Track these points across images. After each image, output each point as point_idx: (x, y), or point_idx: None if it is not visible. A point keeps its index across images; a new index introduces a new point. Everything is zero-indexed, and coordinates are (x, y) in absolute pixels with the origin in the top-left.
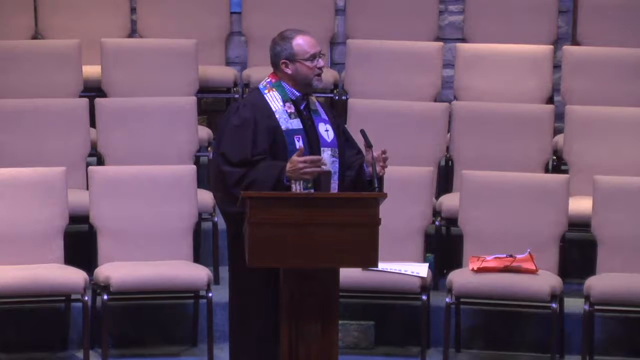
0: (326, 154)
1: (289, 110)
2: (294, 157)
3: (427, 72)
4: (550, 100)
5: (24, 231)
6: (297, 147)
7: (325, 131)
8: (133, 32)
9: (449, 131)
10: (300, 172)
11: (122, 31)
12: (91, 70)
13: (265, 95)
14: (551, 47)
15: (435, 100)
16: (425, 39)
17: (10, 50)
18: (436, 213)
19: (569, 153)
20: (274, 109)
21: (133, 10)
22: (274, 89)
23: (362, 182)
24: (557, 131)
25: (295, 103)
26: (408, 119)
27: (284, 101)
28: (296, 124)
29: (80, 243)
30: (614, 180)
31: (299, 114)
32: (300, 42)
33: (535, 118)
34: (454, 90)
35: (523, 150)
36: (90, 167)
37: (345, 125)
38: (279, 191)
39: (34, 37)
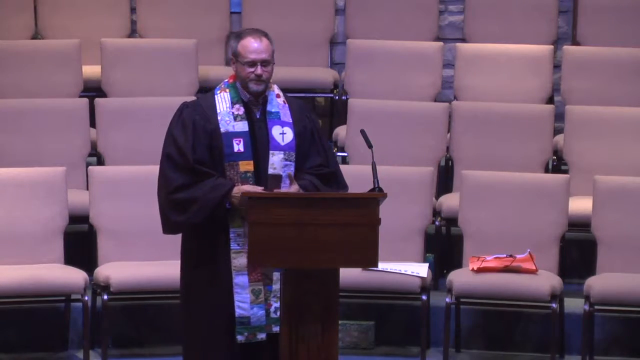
0: (276, 157)
1: (236, 112)
2: (245, 186)
3: (427, 72)
4: (550, 100)
5: (24, 231)
6: (236, 150)
7: (280, 134)
8: (133, 32)
9: (449, 131)
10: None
11: (122, 31)
12: (91, 70)
13: (215, 96)
14: (551, 47)
15: (435, 100)
16: (425, 39)
17: (10, 50)
18: (436, 213)
19: (569, 153)
20: (218, 111)
21: (133, 10)
22: (227, 90)
23: None
24: (557, 131)
25: (247, 105)
26: (408, 119)
27: (234, 103)
28: (240, 126)
29: (80, 243)
30: (614, 180)
31: (249, 116)
32: (245, 45)
33: (535, 118)
34: (454, 90)
35: (523, 150)
36: (90, 167)
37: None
38: (218, 213)
39: (34, 37)
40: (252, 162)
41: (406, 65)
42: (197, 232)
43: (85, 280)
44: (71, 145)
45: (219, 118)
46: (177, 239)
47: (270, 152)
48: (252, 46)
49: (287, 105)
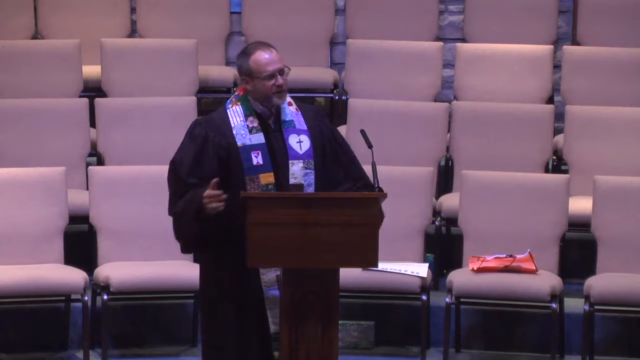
0: (296, 167)
1: (250, 125)
2: (206, 191)
3: (427, 72)
4: (550, 100)
5: (24, 231)
6: (255, 163)
7: (298, 142)
8: (133, 32)
9: (449, 131)
10: (207, 207)
11: (122, 31)
12: (91, 70)
13: (228, 110)
14: (551, 47)
15: (435, 100)
16: (425, 39)
17: (10, 50)
18: (436, 213)
19: (569, 153)
20: (232, 125)
21: (133, 10)
22: (238, 103)
23: None
24: (557, 131)
25: (261, 116)
26: (408, 119)
27: (247, 115)
28: (257, 138)
29: (80, 243)
30: (614, 180)
31: (263, 127)
32: (258, 60)
33: (535, 118)
34: (454, 90)
35: (523, 150)
36: (90, 167)
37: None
38: (202, 223)
39: (34, 37)
40: (272, 173)
41: (406, 65)
42: (219, 246)
43: (85, 280)
44: (71, 145)
45: (234, 132)
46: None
47: (290, 161)
48: (266, 59)
49: (299, 112)
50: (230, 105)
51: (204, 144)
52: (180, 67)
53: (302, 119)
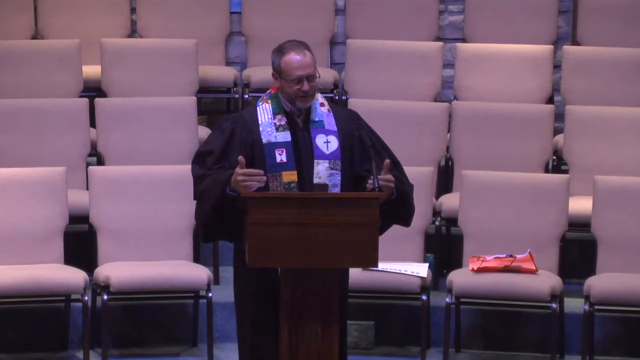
0: (321, 167)
1: (278, 123)
2: (237, 169)
3: (427, 72)
4: (550, 100)
5: (24, 231)
6: (278, 160)
7: (325, 143)
8: (133, 32)
9: (449, 131)
10: (239, 185)
11: (122, 31)
12: (91, 70)
13: (258, 108)
14: (551, 47)
15: (435, 100)
16: (425, 39)
17: (10, 50)
18: (436, 213)
19: (569, 153)
20: (259, 122)
21: (133, 10)
22: (269, 101)
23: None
24: (557, 131)
25: (290, 115)
26: (408, 119)
27: (275, 113)
28: (282, 136)
29: (80, 243)
30: (614, 180)
31: (292, 126)
32: (289, 61)
33: (535, 118)
34: (454, 90)
35: (523, 150)
36: (90, 167)
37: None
38: (224, 203)
39: (34, 37)
40: (295, 172)
41: (406, 65)
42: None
43: (85, 280)
44: (71, 145)
45: (260, 129)
46: (177, 239)
47: (315, 161)
48: (297, 62)
49: (331, 114)
50: (260, 103)
51: (232, 137)
52: (180, 67)
53: (334, 120)
